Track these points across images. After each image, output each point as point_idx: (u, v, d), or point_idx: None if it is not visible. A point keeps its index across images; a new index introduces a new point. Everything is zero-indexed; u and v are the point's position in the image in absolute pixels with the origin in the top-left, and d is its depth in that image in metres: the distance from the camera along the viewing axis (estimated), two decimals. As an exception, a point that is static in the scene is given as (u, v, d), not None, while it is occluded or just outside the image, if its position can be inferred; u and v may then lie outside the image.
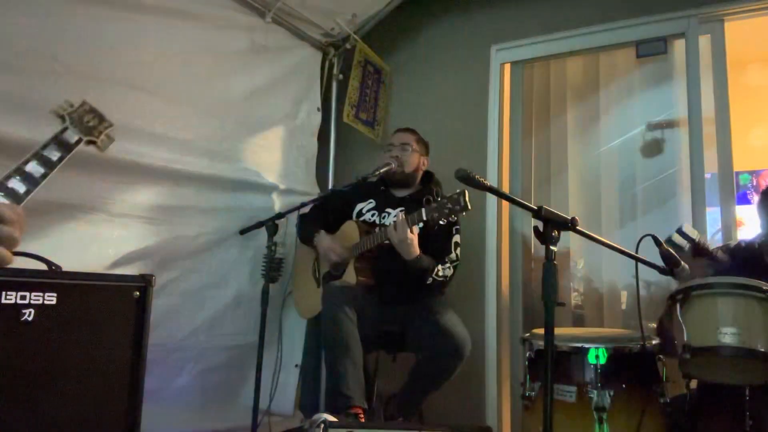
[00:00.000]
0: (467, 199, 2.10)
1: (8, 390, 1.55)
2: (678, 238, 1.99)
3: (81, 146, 1.26)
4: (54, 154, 1.15)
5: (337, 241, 2.60)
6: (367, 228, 2.56)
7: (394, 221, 2.31)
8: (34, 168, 1.09)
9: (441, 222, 2.20)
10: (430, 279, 2.40)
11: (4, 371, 1.53)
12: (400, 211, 2.60)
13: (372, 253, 2.47)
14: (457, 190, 2.10)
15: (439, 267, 2.43)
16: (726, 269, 2.04)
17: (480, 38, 3.37)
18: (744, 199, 4.12)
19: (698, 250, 2.02)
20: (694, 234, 1.99)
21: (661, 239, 1.90)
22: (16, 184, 1.04)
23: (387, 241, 2.35)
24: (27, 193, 1.05)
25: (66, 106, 1.26)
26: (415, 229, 2.29)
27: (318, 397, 2.90)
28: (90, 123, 1.28)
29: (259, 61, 2.98)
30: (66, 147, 1.19)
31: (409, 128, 2.79)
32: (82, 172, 2.06)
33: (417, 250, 2.33)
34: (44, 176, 1.10)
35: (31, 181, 1.07)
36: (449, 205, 2.13)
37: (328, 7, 3.18)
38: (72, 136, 1.22)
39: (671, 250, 1.87)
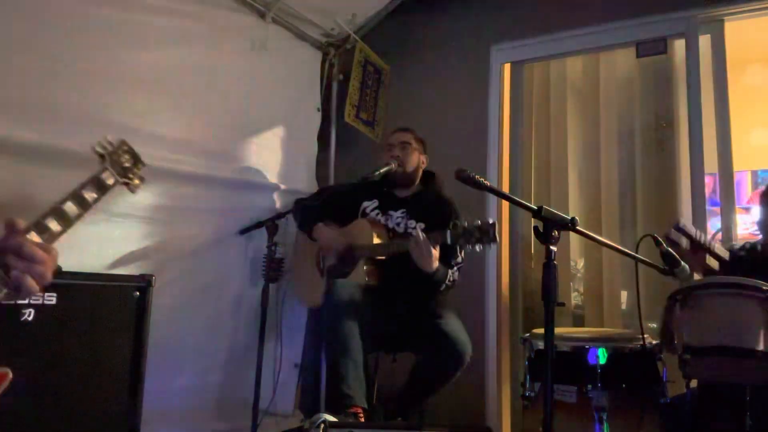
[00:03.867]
0: (497, 231, 2.06)
1: (9, 390, 1.55)
2: (675, 235, 1.98)
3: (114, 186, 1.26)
4: (91, 195, 1.16)
5: (341, 234, 2.58)
6: (379, 230, 2.54)
7: (414, 238, 2.22)
8: (70, 208, 1.10)
9: (466, 248, 2.14)
10: (443, 286, 2.39)
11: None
12: (403, 212, 2.60)
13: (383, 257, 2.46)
14: (489, 221, 2.07)
15: (449, 272, 2.41)
16: (726, 266, 2.04)
17: (480, 38, 3.36)
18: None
19: (697, 245, 2.01)
20: (691, 230, 1.98)
21: (661, 238, 1.89)
22: (52, 224, 1.05)
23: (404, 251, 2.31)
24: (61, 233, 1.06)
25: (106, 144, 1.25)
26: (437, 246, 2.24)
27: (318, 396, 2.90)
28: (126, 164, 1.28)
29: (259, 61, 2.98)
30: (103, 189, 1.20)
31: (406, 127, 2.79)
32: (81, 172, 2.05)
33: (437, 263, 2.29)
34: (78, 216, 1.11)
35: (66, 221, 1.08)
36: (477, 235, 2.09)
37: (328, 7, 3.18)
38: (109, 177, 1.23)
39: (671, 250, 1.87)
